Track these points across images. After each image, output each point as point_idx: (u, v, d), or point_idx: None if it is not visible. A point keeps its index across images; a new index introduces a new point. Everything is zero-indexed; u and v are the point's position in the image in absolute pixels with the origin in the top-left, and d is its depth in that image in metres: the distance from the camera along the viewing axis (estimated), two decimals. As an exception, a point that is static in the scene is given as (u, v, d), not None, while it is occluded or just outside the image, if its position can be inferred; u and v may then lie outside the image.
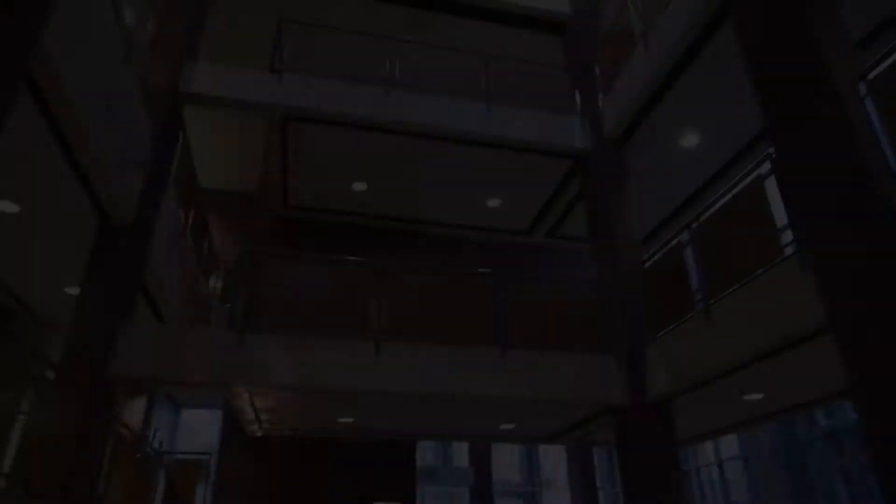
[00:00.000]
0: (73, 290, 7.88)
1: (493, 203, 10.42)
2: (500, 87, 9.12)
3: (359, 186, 9.91)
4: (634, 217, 8.17)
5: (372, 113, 8.31)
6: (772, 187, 5.45)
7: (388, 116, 8.35)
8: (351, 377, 6.58)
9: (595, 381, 7.29)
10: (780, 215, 5.32)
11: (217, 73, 8.17)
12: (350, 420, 8.37)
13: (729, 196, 6.07)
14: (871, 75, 4.33)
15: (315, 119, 8.34)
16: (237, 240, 12.28)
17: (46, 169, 5.60)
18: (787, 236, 5.23)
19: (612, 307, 7.77)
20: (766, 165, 5.46)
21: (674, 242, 6.86)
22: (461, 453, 18.08)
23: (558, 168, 9.44)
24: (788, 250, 5.21)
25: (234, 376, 6.47)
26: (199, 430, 14.40)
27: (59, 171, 5.61)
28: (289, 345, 6.62)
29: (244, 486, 8.73)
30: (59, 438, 5.20)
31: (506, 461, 19.85)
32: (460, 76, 9.09)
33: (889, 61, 4.23)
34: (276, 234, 10.66)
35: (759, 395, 7.21)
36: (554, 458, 20.16)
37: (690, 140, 8.54)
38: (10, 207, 6.18)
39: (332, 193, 10.18)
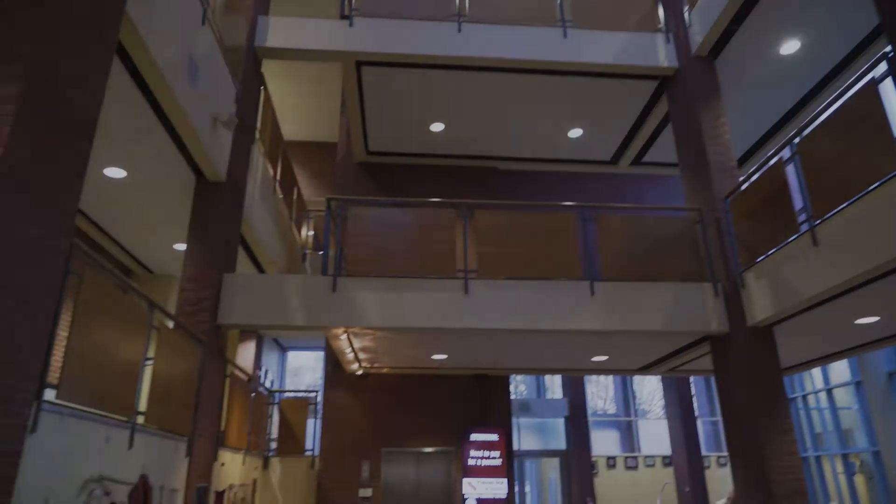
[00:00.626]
0: (181, 247, 8.49)
1: (575, 133, 10.09)
2: (576, 10, 8.65)
3: (436, 127, 9.87)
4: (728, 137, 7.67)
5: (444, 50, 8.17)
6: (888, 91, 4.92)
7: (460, 52, 8.18)
8: (440, 316, 6.76)
9: (692, 310, 7.10)
10: (897, 122, 4.80)
11: (290, 26, 8.26)
12: (443, 357, 8.65)
13: (835, 106, 5.54)
14: None
15: (388, 62, 8.31)
16: (323, 189, 12.67)
17: (145, 134, 5.95)
18: (906, 144, 4.73)
19: (706, 233, 7.45)
20: (882, 67, 4.91)
21: (773, 161, 6.39)
22: (555, 385, 18.33)
23: (643, 91, 8.96)
24: (907, 160, 4.73)
25: (330, 320, 6.82)
26: (304, 370, 15.37)
27: (156, 135, 5.96)
28: (379, 287, 6.87)
29: (348, 420, 9.32)
30: (182, 381, 5.73)
31: (601, 392, 19.96)
32: (532, 3, 8.69)
33: None
34: (359, 181, 10.90)
35: (874, 319, 6.76)
36: (650, 388, 20.05)
37: (790, 47, 7.81)
38: (117, 173, 6.66)
39: (410, 136, 10.21)
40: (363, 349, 8.30)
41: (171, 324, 6.04)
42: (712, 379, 15.44)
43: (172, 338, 5.57)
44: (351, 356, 8.54)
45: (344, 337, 7.56)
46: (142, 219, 7.76)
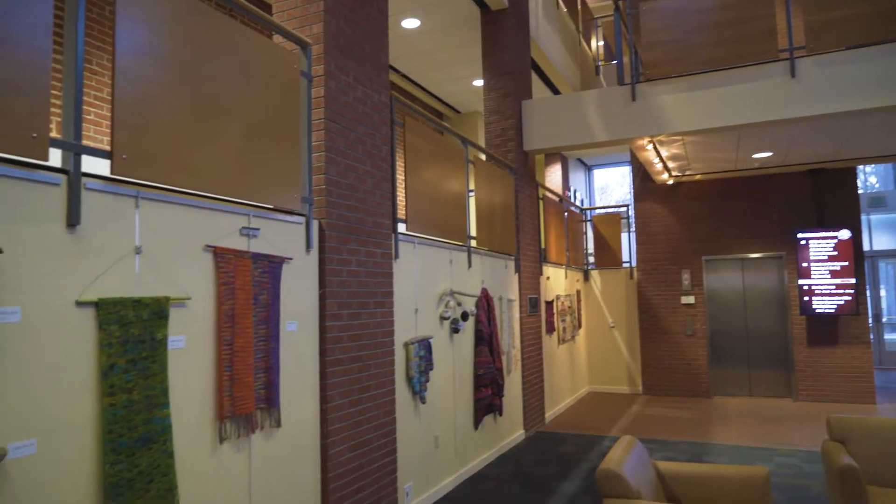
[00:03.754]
0: (479, 83, 8.87)
1: None
2: None
3: None
4: None
5: None
6: None
7: None
8: (761, 108, 5.90)
9: None
10: None
11: None
12: (766, 155, 7.68)
13: None
14: None
15: None
16: (608, -9, 11.59)
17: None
18: None
19: None
20: None
21: None
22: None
23: None
24: None
25: (633, 131, 6.53)
26: (612, 186, 15.41)
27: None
28: (683, 88, 6.24)
29: (662, 230, 9.20)
30: (501, 207, 6.28)
31: None
32: None
33: None
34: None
35: None
36: None
37: None
38: (412, 23, 7.09)
39: None
40: (672, 157, 7.85)
41: (483, 156, 6.55)
42: None
43: (487, 169, 6.05)
44: (659, 166, 8.19)
45: (650, 147, 7.23)
46: (440, 62, 8.25)
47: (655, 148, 7.29)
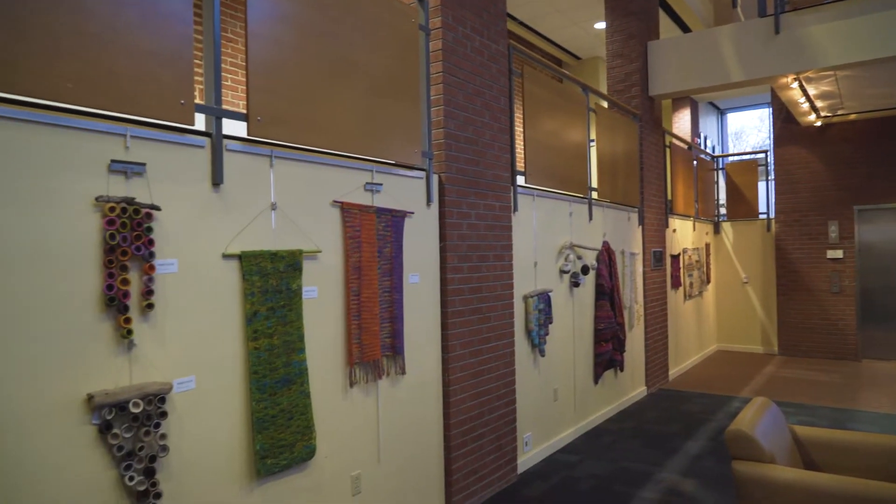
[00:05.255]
0: (601, 25, 8.41)
1: None
2: None
3: None
4: None
5: None
6: None
7: None
8: (938, 34, 5.10)
9: None
10: None
11: None
12: (941, 88, 6.67)
13: None
14: None
15: None
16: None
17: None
18: None
19: None
20: None
21: None
22: None
23: None
24: None
25: (776, 68, 5.92)
26: (747, 131, 14.20)
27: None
28: (836, 15, 5.52)
29: (806, 178, 8.35)
30: (624, 156, 6.00)
31: None
32: None
33: None
34: None
35: None
36: None
37: None
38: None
39: None
40: (821, 96, 7.05)
41: (605, 104, 6.25)
42: None
43: (609, 117, 5.78)
44: (806, 106, 7.39)
45: (795, 85, 6.53)
46: (559, 6, 7.89)
47: (802, 86, 6.58)
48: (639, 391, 6.24)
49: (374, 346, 2.99)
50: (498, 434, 3.88)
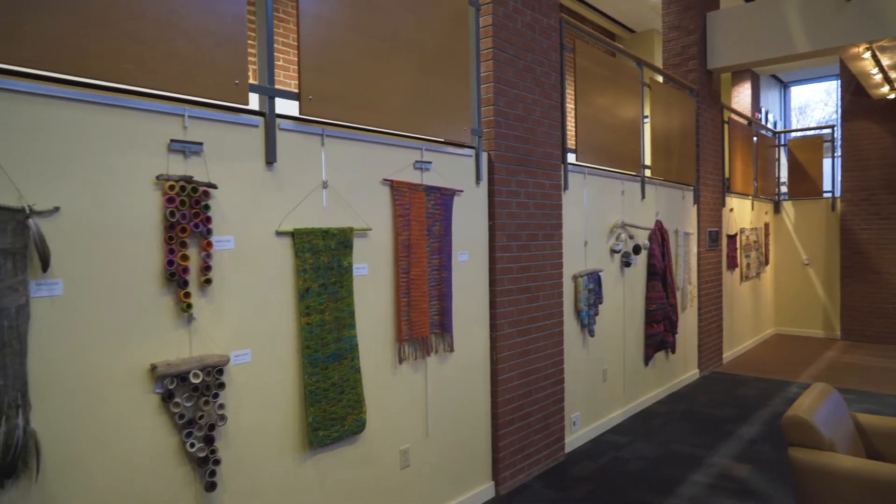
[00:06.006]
0: (656, -4, 8.11)
1: None
2: None
3: None
4: None
5: None
6: None
7: None
8: None
9: None
10: None
11: None
12: None
13: None
14: None
15: None
16: None
17: None
18: None
19: None
20: None
21: None
22: None
23: None
24: None
25: (847, 37, 5.59)
26: (812, 105, 13.52)
27: None
28: (919, -21, 5.16)
29: (877, 154, 7.90)
30: (679, 133, 5.81)
31: None
32: None
33: None
34: None
35: None
36: None
37: None
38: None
39: None
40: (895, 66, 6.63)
41: (660, 78, 6.05)
42: None
43: (664, 91, 5.59)
44: (878, 78, 6.96)
45: (867, 55, 6.16)
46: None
47: (875, 56, 6.20)
48: (691, 374, 6.11)
49: (422, 324, 3.01)
50: (546, 413, 3.88)
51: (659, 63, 8.87)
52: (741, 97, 10.56)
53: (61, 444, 1.82)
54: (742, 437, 4.41)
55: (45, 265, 1.76)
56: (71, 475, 1.84)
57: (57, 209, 1.81)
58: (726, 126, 7.10)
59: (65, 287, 1.83)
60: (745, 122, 7.78)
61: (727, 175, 7.21)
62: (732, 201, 7.22)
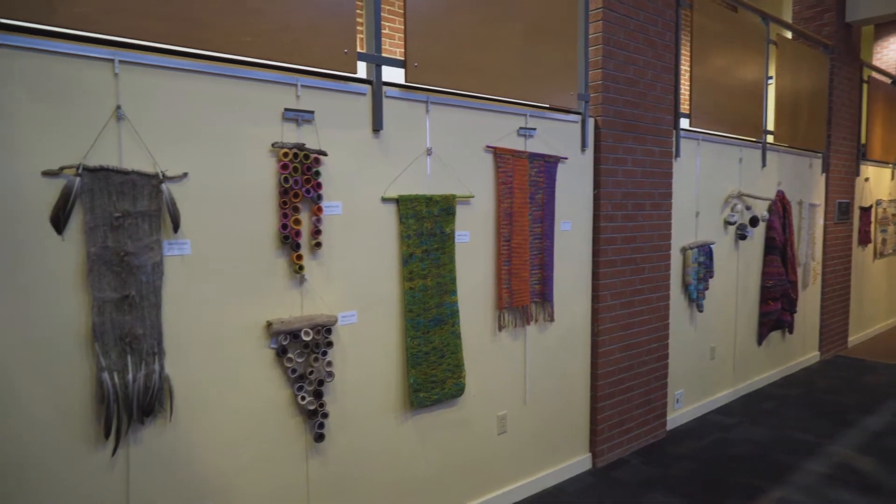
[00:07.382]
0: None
1: None
2: None
3: None
4: None
5: None
6: None
7: None
8: None
9: None
10: None
11: None
12: None
13: None
14: None
15: None
16: None
17: None
18: None
19: None
20: None
21: None
22: None
23: None
24: None
25: None
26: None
27: None
28: None
29: None
30: (809, 94, 5.31)
31: None
32: None
33: None
34: None
35: None
36: None
37: None
38: None
39: None
40: None
41: (789, 34, 5.53)
42: None
43: (793, 49, 5.11)
44: None
45: None
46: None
47: None
48: (810, 356, 5.70)
49: (523, 292, 3.00)
50: (647, 388, 3.77)
51: (788, 17, 8.09)
52: (886, 53, 9.44)
53: (191, 389, 2.00)
54: (867, 428, 4.08)
55: (176, 226, 1.92)
56: (199, 417, 2.02)
57: (185, 175, 1.95)
58: (865, 86, 6.39)
59: (192, 247, 1.98)
60: (889, 81, 6.97)
61: (864, 141, 6.52)
62: (868, 170, 6.55)
